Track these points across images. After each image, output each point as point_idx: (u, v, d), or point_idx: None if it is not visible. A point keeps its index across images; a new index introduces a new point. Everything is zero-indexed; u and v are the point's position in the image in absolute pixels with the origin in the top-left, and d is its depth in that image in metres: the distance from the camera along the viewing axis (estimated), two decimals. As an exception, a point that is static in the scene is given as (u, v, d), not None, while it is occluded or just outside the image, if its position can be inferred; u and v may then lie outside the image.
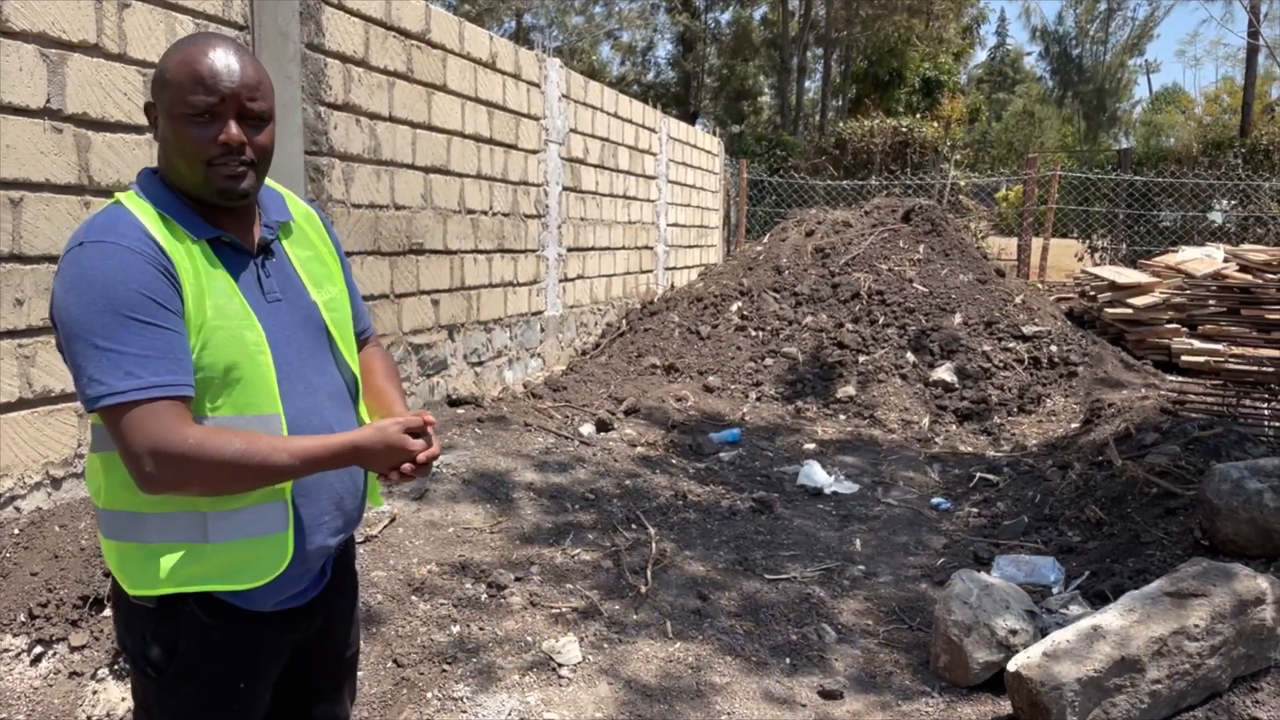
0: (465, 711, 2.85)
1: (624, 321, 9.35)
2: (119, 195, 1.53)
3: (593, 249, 8.97)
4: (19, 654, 2.89)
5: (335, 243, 1.82)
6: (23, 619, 2.95)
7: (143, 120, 3.84)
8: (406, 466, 1.59)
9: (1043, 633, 3.14)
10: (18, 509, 3.38)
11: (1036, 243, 13.54)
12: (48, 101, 3.44)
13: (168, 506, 1.48)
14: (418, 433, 1.59)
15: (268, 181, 1.68)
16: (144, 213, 1.49)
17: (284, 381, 1.56)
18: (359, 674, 2.96)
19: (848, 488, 5.46)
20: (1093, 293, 10.53)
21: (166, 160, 1.55)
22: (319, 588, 1.70)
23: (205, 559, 1.51)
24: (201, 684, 1.58)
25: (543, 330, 7.95)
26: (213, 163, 1.50)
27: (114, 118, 3.71)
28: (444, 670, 3.05)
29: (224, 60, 1.50)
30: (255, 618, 1.59)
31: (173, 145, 1.51)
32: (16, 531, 3.23)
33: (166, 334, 1.43)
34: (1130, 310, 9.56)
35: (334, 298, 1.73)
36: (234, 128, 1.51)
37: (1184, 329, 9.38)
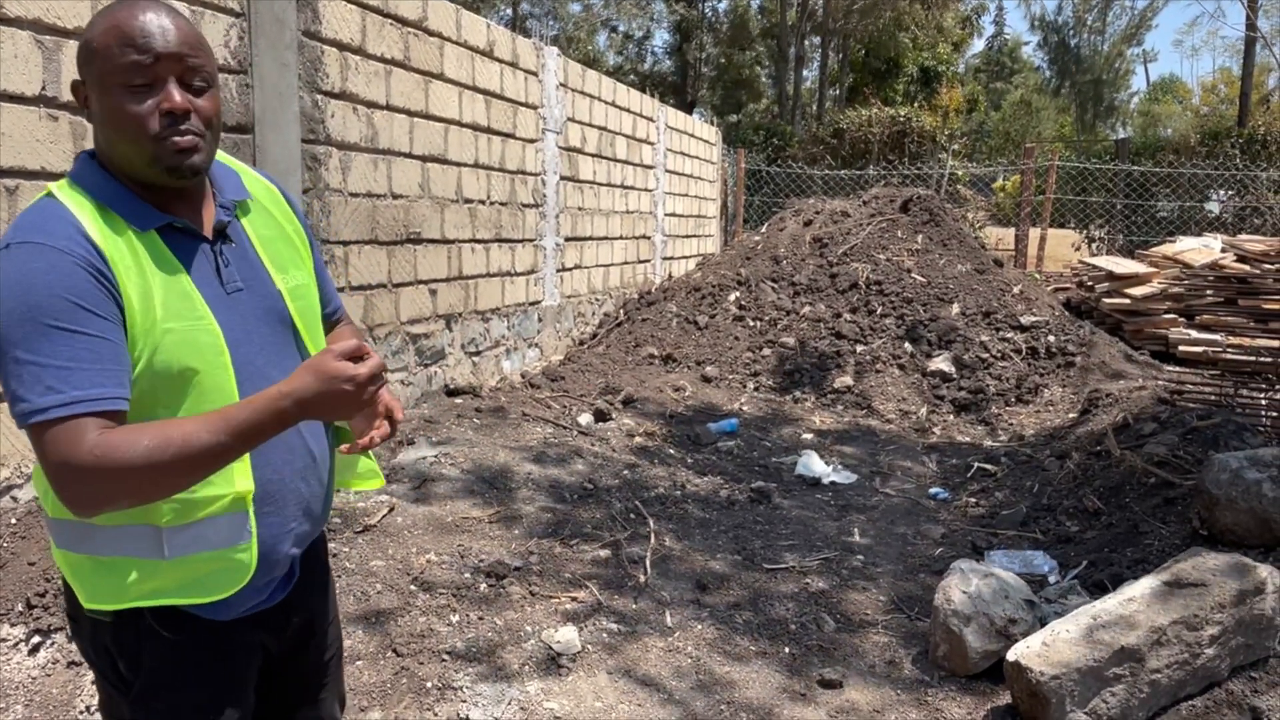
0: (465, 701, 2.85)
1: (621, 311, 9.33)
2: (51, 186, 1.39)
3: (590, 239, 8.95)
4: (16, 644, 2.89)
5: (301, 219, 1.68)
6: (20, 609, 2.94)
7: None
8: (380, 412, 1.51)
9: (1042, 622, 3.14)
10: (14, 499, 3.37)
11: (1034, 233, 13.54)
12: (43, 89, 3.41)
13: (118, 520, 1.37)
14: (356, 355, 1.36)
15: (220, 157, 1.53)
16: (79, 206, 1.35)
17: (244, 383, 1.42)
18: (359, 664, 2.96)
19: (845, 478, 5.46)
20: (1090, 283, 10.53)
21: (105, 141, 1.39)
22: (288, 588, 1.61)
23: (161, 574, 1.40)
24: (173, 697, 1.49)
25: (540, 320, 7.93)
26: (159, 137, 1.35)
27: (110, 105, 3.68)
28: (443, 660, 3.05)
29: (155, 20, 1.35)
30: (218, 627, 1.49)
31: (110, 123, 1.36)
32: (13, 521, 3.22)
33: (94, 342, 1.28)
34: (1128, 300, 9.57)
35: (300, 284, 1.59)
36: (176, 93, 1.35)
37: (1181, 319, 9.39)
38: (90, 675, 2.85)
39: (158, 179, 1.39)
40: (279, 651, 1.65)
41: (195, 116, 1.38)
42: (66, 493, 1.27)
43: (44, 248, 1.29)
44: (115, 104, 1.34)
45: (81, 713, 2.76)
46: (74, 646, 2.90)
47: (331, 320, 1.79)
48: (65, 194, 1.37)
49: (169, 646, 1.46)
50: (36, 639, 2.90)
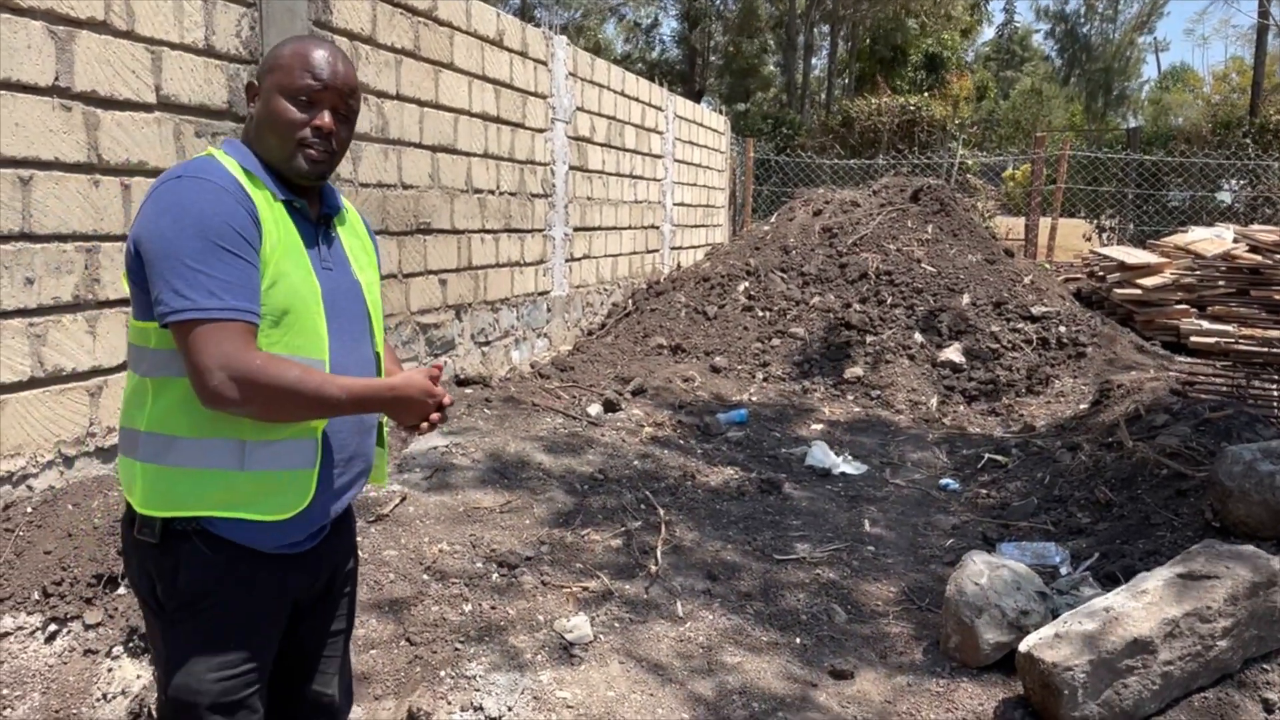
0: (478, 690, 2.86)
1: (630, 301, 9.33)
2: (210, 149, 1.72)
3: (599, 228, 8.94)
4: (33, 632, 2.91)
5: (376, 249, 2.01)
6: (37, 597, 2.96)
7: (152, 99, 3.82)
8: (435, 416, 1.74)
9: (1054, 614, 3.14)
10: (30, 488, 3.39)
11: (1044, 222, 13.47)
12: (56, 79, 3.42)
13: (211, 432, 1.61)
14: (436, 380, 1.75)
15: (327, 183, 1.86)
16: (231, 166, 1.66)
17: (331, 333, 1.71)
18: (373, 652, 2.98)
19: (856, 468, 5.46)
20: (1101, 273, 10.49)
21: (257, 133, 1.72)
22: (317, 540, 1.78)
23: (237, 485, 1.62)
24: (200, 617, 1.66)
25: (549, 310, 7.93)
26: (303, 142, 1.68)
27: (123, 95, 3.69)
28: (457, 649, 3.06)
29: (334, 59, 1.72)
30: (254, 556, 1.67)
31: (269, 120, 1.69)
32: (30, 510, 3.24)
33: (247, 267, 1.58)
34: (1139, 291, 9.53)
35: (372, 283, 1.90)
36: (328, 116, 1.71)
37: (1193, 310, 9.34)
38: (105, 664, 2.87)
39: (289, 173, 1.71)
40: (297, 608, 1.81)
41: (334, 139, 1.73)
42: (216, 384, 1.51)
43: (212, 184, 1.59)
44: (280, 108, 1.68)
45: (98, 700, 2.78)
46: (90, 635, 2.92)
47: None
48: (220, 156, 1.68)
49: (206, 565, 1.64)
50: (53, 627, 2.92)
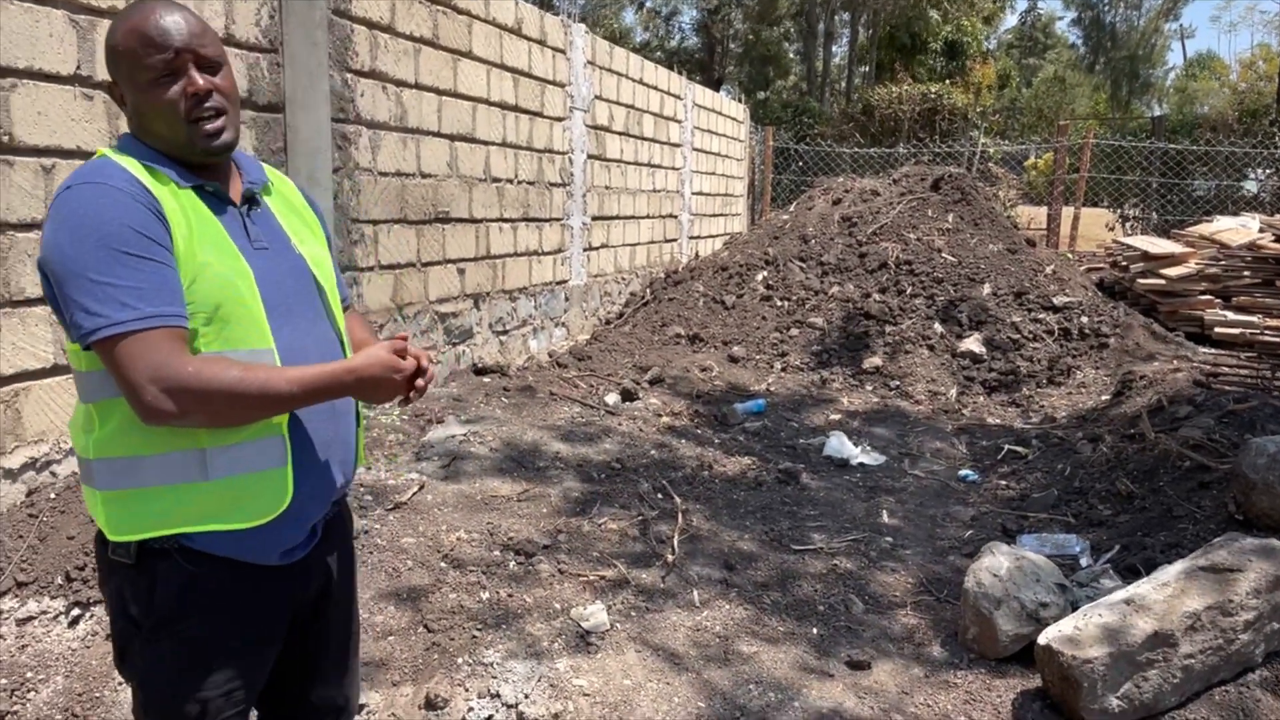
0: (495, 677, 2.87)
1: (648, 291, 9.32)
2: (102, 149, 1.57)
3: (617, 218, 8.93)
4: (56, 616, 2.94)
5: (318, 213, 1.85)
6: (60, 581, 3.00)
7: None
8: (419, 383, 1.63)
9: (1073, 606, 3.12)
10: (53, 474, 3.43)
11: (1067, 212, 13.35)
12: (78, 68, 3.44)
13: (165, 447, 1.49)
14: (402, 351, 1.61)
15: (248, 153, 1.69)
16: (128, 163, 1.52)
17: (274, 319, 1.57)
18: (391, 639, 2.99)
19: (874, 459, 5.44)
20: (1124, 263, 10.38)
21: (144, 127, 1.57)
22: (309, 547, 1.68)
23: (205, 497, 1.51)
24: (181, 636, 1.56)
25: (567, 299, 7.93)
26: (192, 118, 1.53)
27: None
28: (474, 636, 3.07)
29: (168, 17, 1.53)
30: (237, 569, 1.57)
31: (148, 112, 1.54)
32: (53, 496, 3.28)
33: (159, 268, 1.45)
34: (1163, 281, 9.42)
35: (319, 255, 1.74)
36: (198, 76, 1.54)
37: (1218, 300, 9.23)
38: (129, 647, 2.90)
39: (195, 156, 1.57)
40: (296, 619, 1.70)
41: (216, 94, 1.56)
42: (150, 399, 1.41)
43: (106, 186, 1.46)
44: (148, 95, 1.53)
45: (119, 684, 2.81)
46: (113, 619, 2.95)
47: (344, 308, 1.87)
48: (114, 154, 1.54)
49: (186, 583, 1.54)
50: (76, 611, 2.96)
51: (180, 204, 1.52)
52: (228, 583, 1.57)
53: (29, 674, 2.77)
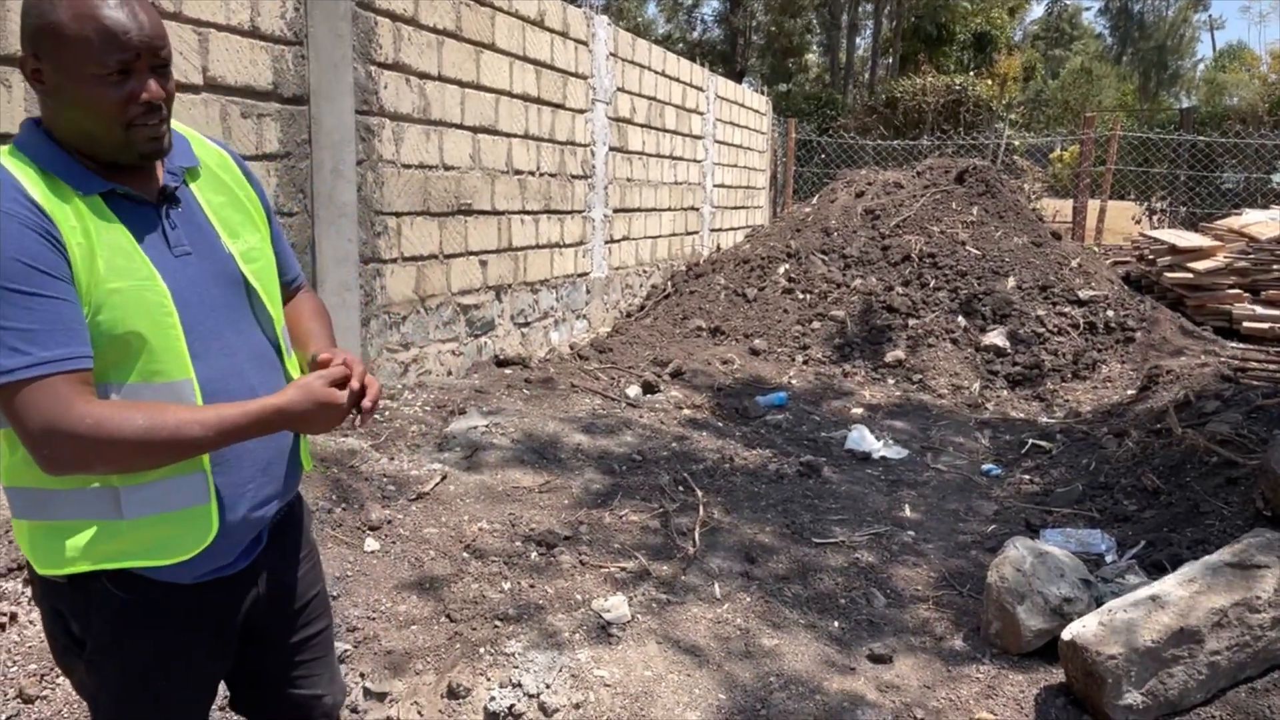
0: (517, 667, 2.89)
1: (669, 283, 9.31)
2: None
3: (639, 210, 8.92)
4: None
5: (255, 185, 1.67)
6: (89, 569, 3.04)
7: (199, 80, 3.86)
8: (366, 404, 1.51)
9: (1098, 602, 3.10)
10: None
11: (1093, 204, 13.21)
12: None
13: (75, 483, 1.38)
14: (343, 383, 1.48)
15: (173, 124, 1.52)
16: (22, 171, 1.34)
17: (195, 343, 1.43)
18: (414, 628, 3.01)
19: (896, 453, 5.41)
20: (1151, 256, 10.27)
21: (65, 120, 1.38)
22: (251, 556, 1.59)
23: (122, 535, 1.41)
24: (122, 660, 1.50)
25: (588, 292, 7.94)
26: (133, 123, 1.37)
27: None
28: (496, 626, 3.09)
29: (129, 11, 1.35)
30: (174, 590, 1.48)
31: (79, 108, 1.36)
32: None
33: (54, 303, 1.29)
34: (1190, 275, 9.32)
35: (253, 247, 1.57)
36: (154, 84, 1.38)
37: (1246, 295, 9.12)
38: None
39: (125, 159, 1.41)
40: (249, 624, 1.63)
41: (165, 103, 1.41)
42: (48, 453, 1.29)
43: None
44: (87, 91, 1.34)
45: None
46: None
47: (291, 289, 1.78)
48: (7, 160, 1.36)
49: (119, 608, 1.46)
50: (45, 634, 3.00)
51: (81, 221, 1.35)
52: (163, 604, 1.48)
53: (59, 659, 2.81)
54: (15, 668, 2.75)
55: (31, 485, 1.40)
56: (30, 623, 2.90)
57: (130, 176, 1.44)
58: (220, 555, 1.51)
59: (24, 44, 1.37)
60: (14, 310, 1.27)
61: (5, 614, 2.87)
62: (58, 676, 2.76)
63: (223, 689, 1.77)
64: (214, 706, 1.80)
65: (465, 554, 3.50)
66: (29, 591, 2.95)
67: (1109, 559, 3.73)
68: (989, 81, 19.15)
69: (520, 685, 2.81)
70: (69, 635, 1.51)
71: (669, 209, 9.73)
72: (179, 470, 1.41)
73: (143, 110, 1.37)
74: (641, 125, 8.81)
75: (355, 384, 1.50)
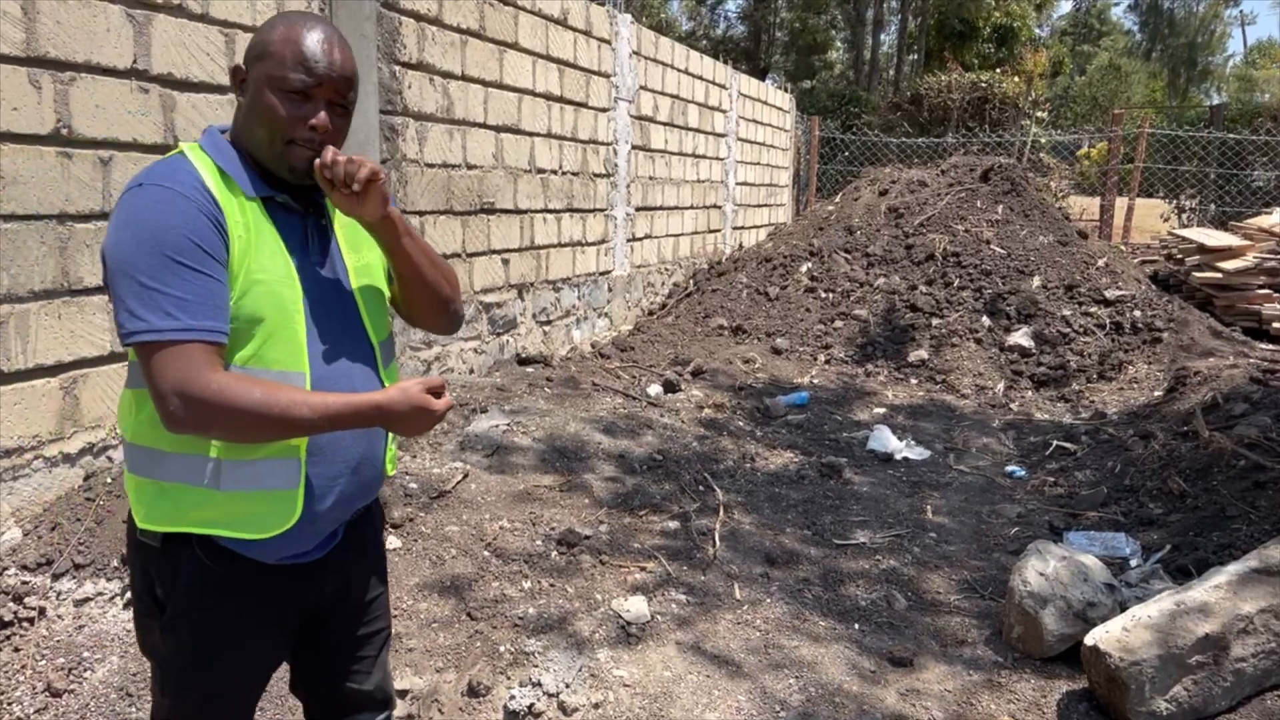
0: (537, 666, 2.90)
1: (691, 282, 9.30)
2: (183, 145, 1.58)
3: (661, 208, 8.91)
4: (112, 598, 3.03)
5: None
6: (115, 564, 3.08)
7: (225, 80, 3.90)
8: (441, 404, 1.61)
9: (1122, 607, 3.07)
10: (110, 459, 3.52)
11: (1121, 202, 13.06)
12: (134, 62, 3.51)
13: (186, 448, 1.52)
14: (438, 391, 1.60)
15: None
16: (204, 165, 1.54)
17: (314, 343, 1.59)
18: (434, 627, 3.03)
19: (919, 453, 5.38)
20: (1179, 255, 10.15)
21: (244, 125, 1.58)
22: (327, 549, 1.70)
23: (215, 504, 1.54)
24: (195, 626, 1.61)
25: (610, 290, 7.95)
26: (293, 141, 1.55)
27: (197, 78, 3.77)
28: (516, 626, 3.10)
29: (330, 45, 1.56)
30: (255, 567, 1.61)
31: (258, 114, 1.55)
32: (109, 480, 3.36)
33: (208, 281, 1.47)
34: (1219, 274, 9.20)
35: (368, 264, 1.73)
36: (324, 115, 1.56)
37: (1276, 294, 8.99)
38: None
39: (277, 171, 1.59)
40: (315, 613, 1.75)
41: (331, 137, 1.58)
42: (173, 410, 1.44)
43: (173, 192, 1.48)
44: (270, 102, 1.54)
45: (173, 665, 2.89)
46: (166, 602, 3.03)
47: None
48: (193, 153, 1.56)
49: (204, 574, 1.58)
50: (130, 594, 3.03)
51: (244, 216, 1.54)
52: (241, 578, 1.60)
53: (85, 654, 2.85)
54: (44, 662, 2.79)
55: (150, 445, 1.55)
56: (58, 617, 2.94)
57: (288, 188, 1.62)
58: (301, 542, 1.63)
59: (244, 57, 1.61)
60: (175, 280, 1.44)
61: (34, 609, 2.91)
62: (85, 671, 2.80)
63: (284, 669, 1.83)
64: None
65: (486, 553, 3.51)
66: (57, 587, 2.99)
67: (1134, 563, 3.70)
68: (1015, 78, 18.96)
69: (540, 684, 2.82)
70: (152, 597, 1.63)
71: (691, 207, 9.72)
72: (277, 453, 1.55)
73: (307, 133, 1.55)
74: (664, 123, 8.80)
75: (444, 402, 1.61)
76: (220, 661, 1.64)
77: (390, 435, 1.78)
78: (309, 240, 1.64)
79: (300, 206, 1.63)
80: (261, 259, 1.54)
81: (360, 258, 1.72)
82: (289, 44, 1.54)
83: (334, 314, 1.64)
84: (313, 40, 1.55)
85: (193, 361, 1.43)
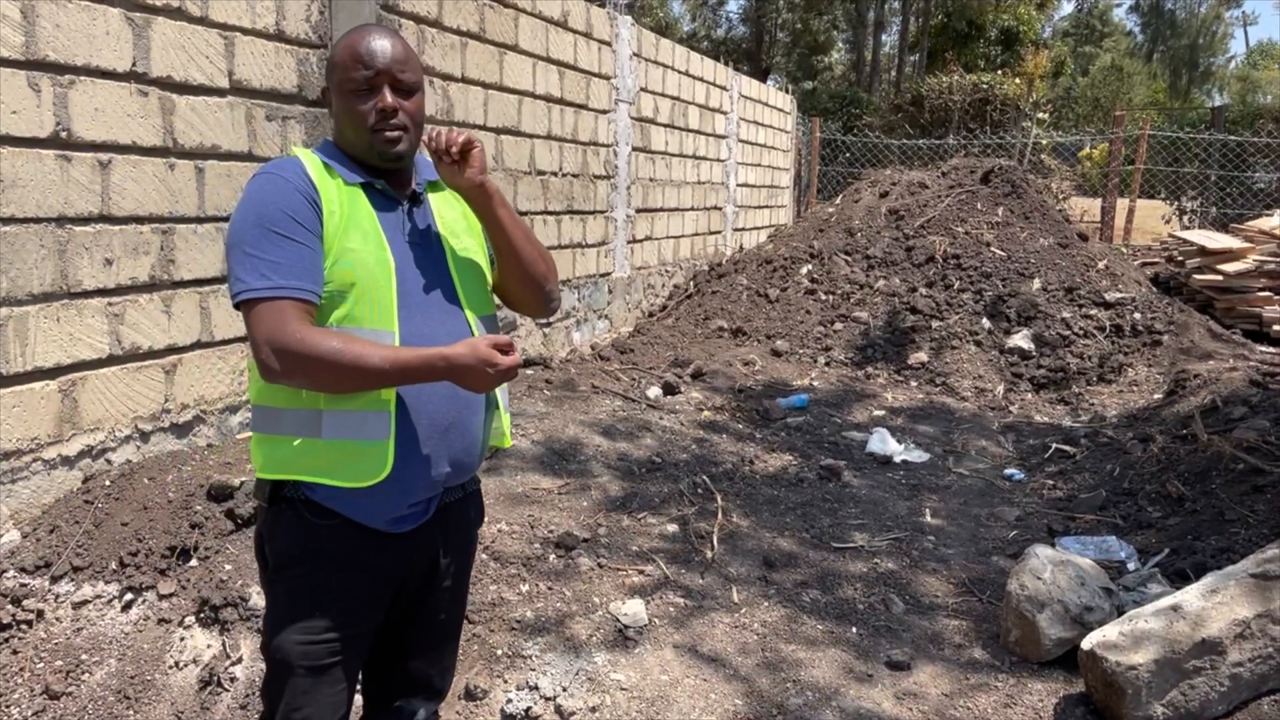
0: (534, 669, 2.90)
1: (691, 283, 9.30)
2: (296, 148, 1.88)
3: (661, 210, 8.92)
4: (110, 600, 3.03)
5: None
6: (114, 566, 3.08)
7: (224, 83, 3.91)
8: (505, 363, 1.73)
9: (1119, 611, 3.07)
10: (109, 461, 3.52)
11: (1122, 204, 13.06)
12: (133, 65, 3.51)
13: (295, 403, 1.72)
14: (506, 349, 1.72)
15: (427, 157, 1.91)
16: (308, 159, 1.79)
17: (404, 308, 1.76)
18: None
19: (918, 456, 5.38)
20: (1180, 258, 10.15)
21: (338, 130, 1.84)
22: (419, 521, 1.83)
23: (317, 452, 1.72)
24: (292, 580, 1.79)
25: (610, 292, 7.95)
26: (375, 128, 1.77)
27: (196, 81, 3.78)
28: (514, 628, 3.11)
29: (379, 42, 1.78)
30: (350, 529, 1.76)
31: (342, 116, 1.80)
32: (108, 483, 3.37)
33: (300, 248, 1.68)
34: (1220, 277, 9.19)
35: (469, 250, 1.92)
36: (389, 95, 1.77)
37: (1277, 297, 8.98)
38: (178, 634, 2.98)
39: (374, 160, 1.81)
40: (403, 585, 1.88)
41: (402, 113, 1.79)
42: (265, 359, 1.63)
43: (278, 177, 1.73)
44: (346, 103, 1.79)
45: (170, 668, 2.89)
46: (164, 605, 3.03)
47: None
48: (300, 152, 1.82)
49: (303, 531, 1.76)
50: (129, 596, 3.04)
51: (340, 196, 1.76)
52: (340, 539, 1.76)
53: (83, 656, 2.85)
54: (42, 664, 2.80)
55: (269, 404, 1.76)
56: (56, 620, 2.95)
57: (389, 178, 1.84)
58: (391, 503, 1.77)
59: (325, 80, 1.88)
60: (270, 247, 1.67)
61: (32, 611, 2.92)
62: (83, 673, 2.80)
63: None
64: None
65: (484, 555, 3.51)
66: (56, 589, 3.00)
67: (1130, 567, 3.70)
68: (1016, 80, 18.95)
69: (537, 688, 2.82)
70: (262, 556, 1.84)
71: (691, 209, 9.72)
72: (369, 404, 1.71)
73: (380, 116, 1.76)
74: (665, 125, 8.80)
75: (510, 360, 1.72)
76: (309, 618, 1.76)
77: (499, 408, 1.94)
78: (405, 223, 1.84)
79: (398, 194, 1.85)
80: (355, 233, 1.74)
81: (460, 242, 1.91)
82: (348, 51, 1.78)
83: (428, 285, 1.81)
84: (364, 41, 1.78)
85: (282, 315, 1.62)
